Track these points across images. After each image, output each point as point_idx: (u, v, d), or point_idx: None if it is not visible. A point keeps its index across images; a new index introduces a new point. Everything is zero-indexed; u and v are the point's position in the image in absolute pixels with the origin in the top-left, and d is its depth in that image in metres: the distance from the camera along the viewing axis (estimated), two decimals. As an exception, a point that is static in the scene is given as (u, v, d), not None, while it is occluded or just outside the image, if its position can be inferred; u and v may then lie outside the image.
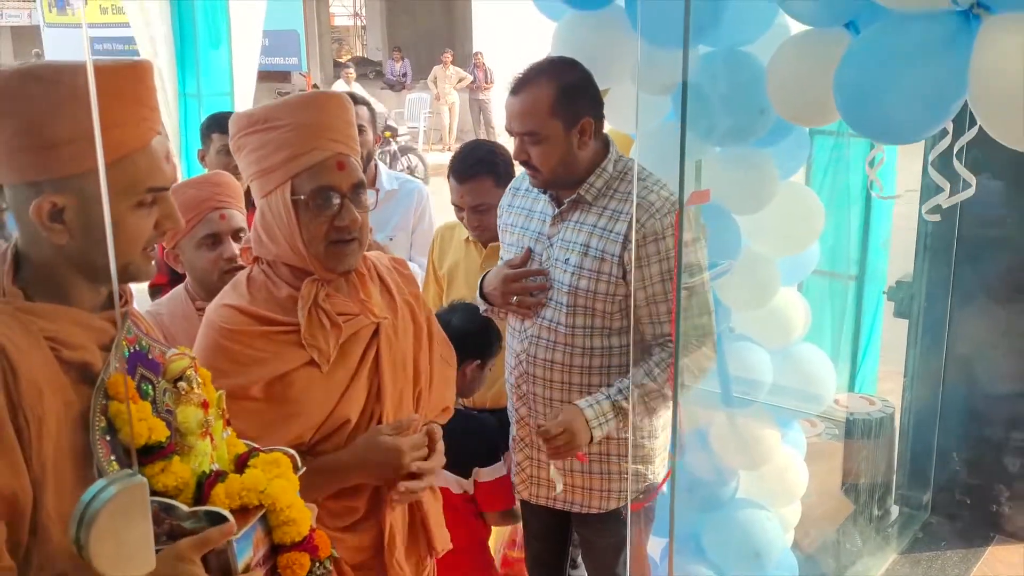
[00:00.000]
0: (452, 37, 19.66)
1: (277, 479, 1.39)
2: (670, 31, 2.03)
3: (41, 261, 1.26)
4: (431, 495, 1.87)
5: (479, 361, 2.37)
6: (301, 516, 1.39)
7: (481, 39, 16.15)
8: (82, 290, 1.27)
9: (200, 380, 1.38)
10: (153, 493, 1.22)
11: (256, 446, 1.47)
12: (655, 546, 2.82)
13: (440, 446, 1.79)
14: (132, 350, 1.31)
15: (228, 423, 1.45)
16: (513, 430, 2.35)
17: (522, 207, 2.29)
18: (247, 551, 1.32)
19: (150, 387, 1.31)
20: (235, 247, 2.06)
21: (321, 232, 1.62)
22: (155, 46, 5.56)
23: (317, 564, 1.43)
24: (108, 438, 1.23)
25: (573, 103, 2.04)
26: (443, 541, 1.87)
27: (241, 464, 1.42)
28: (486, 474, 2.38)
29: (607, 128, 2.30)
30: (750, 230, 2.49)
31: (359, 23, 26.44)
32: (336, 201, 1.62)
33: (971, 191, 1.81)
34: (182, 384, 1.34)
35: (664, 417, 2.29)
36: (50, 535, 1.17)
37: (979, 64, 1.42)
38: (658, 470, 2.32)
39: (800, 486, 2.77)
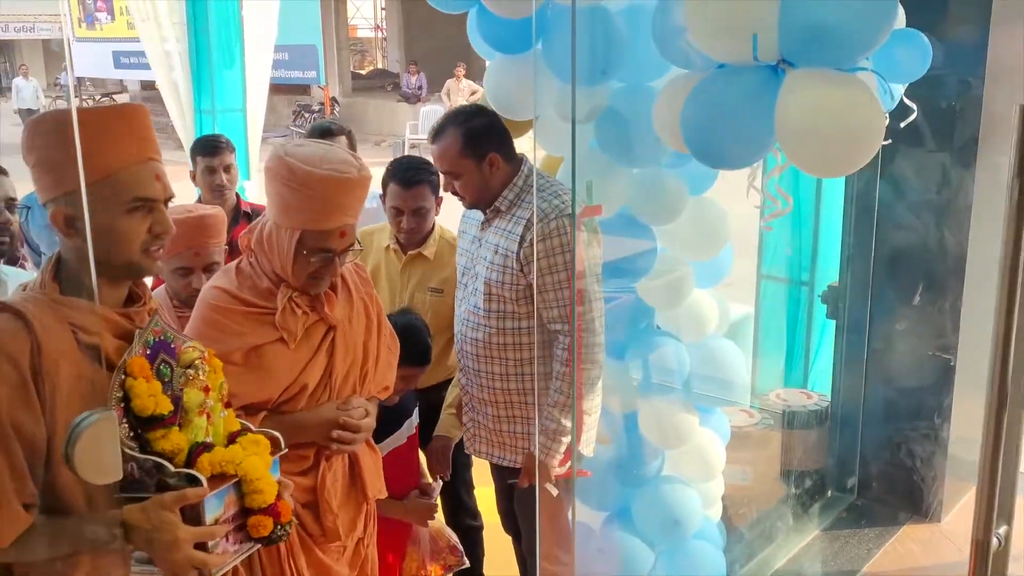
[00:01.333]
0: (467, 51, 20.09)
1: (253, 456, 1.73)
2: (579, 71, 2.43)
3: (71, 263, 1.65)
4: (369, 453, 2.28)
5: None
6: (268, 488, 1.71)
7: (494, 53, 16.52)
8: (104, 288, 1.65)
9: (208, 369, 1.73)
10: (153, 455, 1.60)
11: (249, 425, 1.83)
12: (596, 518, 3.21)
13: (373, 413, 2.21)
14: (158, 339, 1.67)
15: (228, 405, 1.81)
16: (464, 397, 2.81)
17: (471, 218, 2.76)
18: (218, 509, 1.64)
19: (168, 370, 1.67)
20: (204, 279, 2.41)
21: (308, 272, 2.05)
22: (171, 61, 5.96)
23: (278, 527, 1.74)
24: (123, 406, 1.59)
25: (478, 144, 2.50)
26: (375, 490, 2.29)
27: (231, 440, 1.77)
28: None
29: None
30: (666, 239, 2.87)
31: (380, 35, 27.00)
32: (329, 256, 2.05)
33: (789, 208, 2.18)
34: (190, 371, 1.69)
35: (594, 401, 2.69)
36: (59, 473, 1.55)
37: (782, 108, 1.80)
38: (582, 445, 2.71)
39: (718, 464, 3.13)
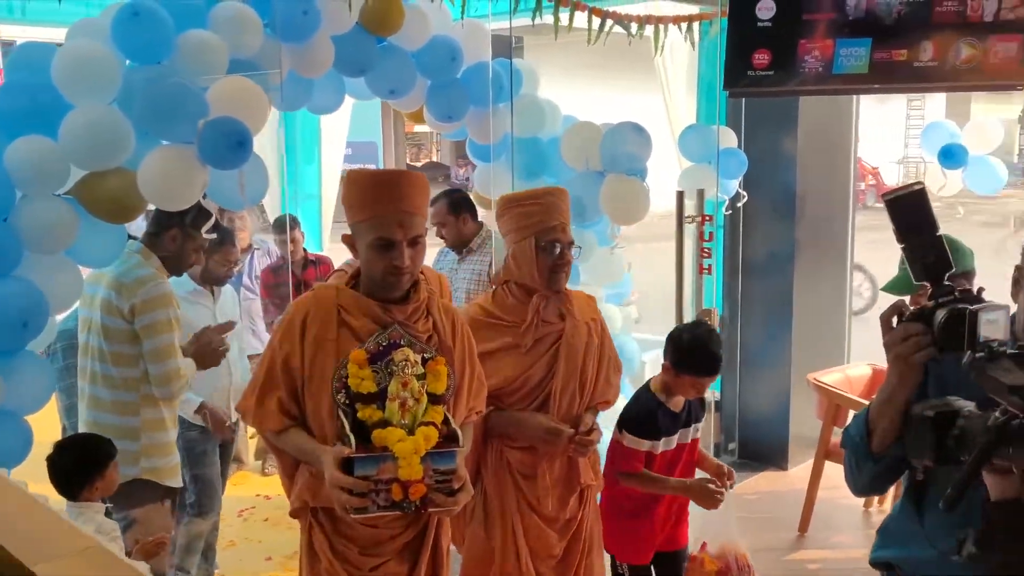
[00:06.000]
0: (510, 145, 22.02)
1: (407, 441, 1.98)
2: (524, 171, 4.34)
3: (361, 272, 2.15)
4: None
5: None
6: (411, 470, 1.96)
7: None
8: (375, 288, 2.13)
9: (412, 370, 2.06)
10: (356, 420, 2.02)
11: (450, 420, 2.13)
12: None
13: (594, 435, 2.62)
14: (392, 341, 2.09)
15: (437, 402, 2.11)
16: None
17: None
18: (370, 469, 1.96)
19: (384, 365, 2.06)
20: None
21: (549, 267, 2.52)
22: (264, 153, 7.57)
23: (405, 500, 1.97)
24: (345, 380, 2.05)
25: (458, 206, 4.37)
26: (587, 477, 2.65)
27: (414, 427, 2.04)
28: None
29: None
30: (585, 275, 4.73)
31: (435, 132, 29.19)
32: (559, 249, 2.52)
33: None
34: (395, 368, 2.06)
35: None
36: (310, 404, 2.11)
37: (605, 191, 3.72)
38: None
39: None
